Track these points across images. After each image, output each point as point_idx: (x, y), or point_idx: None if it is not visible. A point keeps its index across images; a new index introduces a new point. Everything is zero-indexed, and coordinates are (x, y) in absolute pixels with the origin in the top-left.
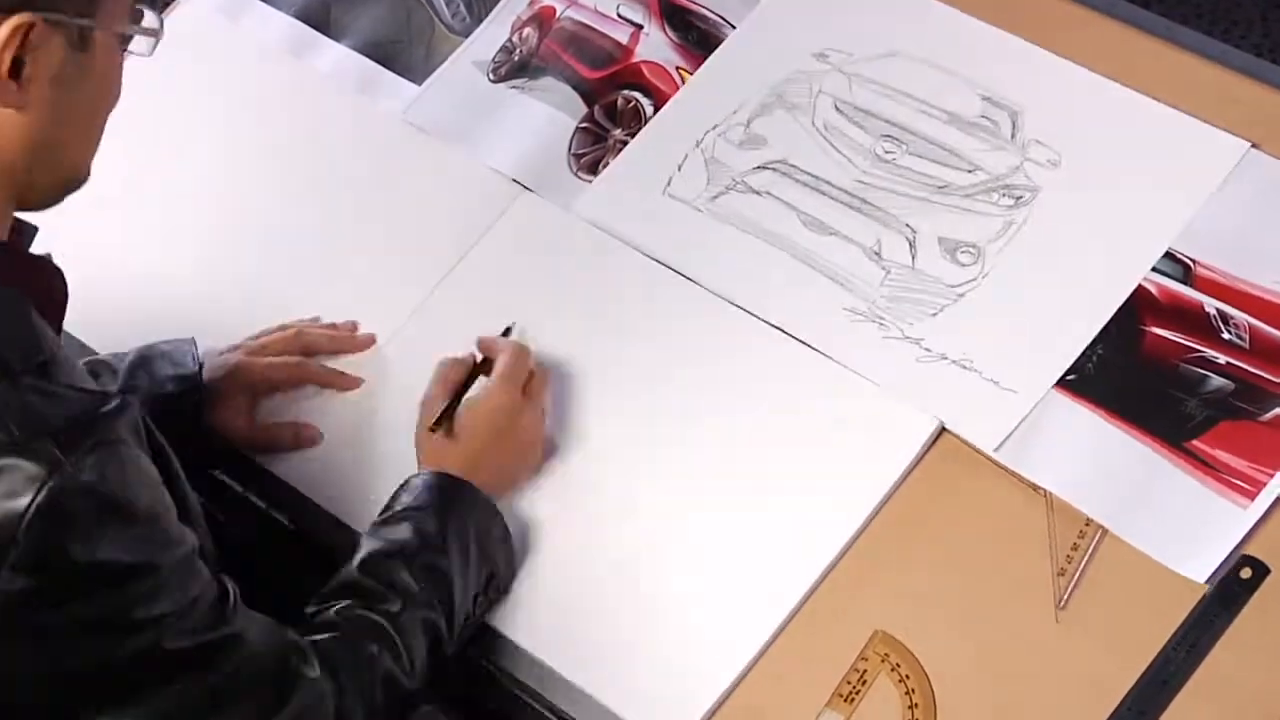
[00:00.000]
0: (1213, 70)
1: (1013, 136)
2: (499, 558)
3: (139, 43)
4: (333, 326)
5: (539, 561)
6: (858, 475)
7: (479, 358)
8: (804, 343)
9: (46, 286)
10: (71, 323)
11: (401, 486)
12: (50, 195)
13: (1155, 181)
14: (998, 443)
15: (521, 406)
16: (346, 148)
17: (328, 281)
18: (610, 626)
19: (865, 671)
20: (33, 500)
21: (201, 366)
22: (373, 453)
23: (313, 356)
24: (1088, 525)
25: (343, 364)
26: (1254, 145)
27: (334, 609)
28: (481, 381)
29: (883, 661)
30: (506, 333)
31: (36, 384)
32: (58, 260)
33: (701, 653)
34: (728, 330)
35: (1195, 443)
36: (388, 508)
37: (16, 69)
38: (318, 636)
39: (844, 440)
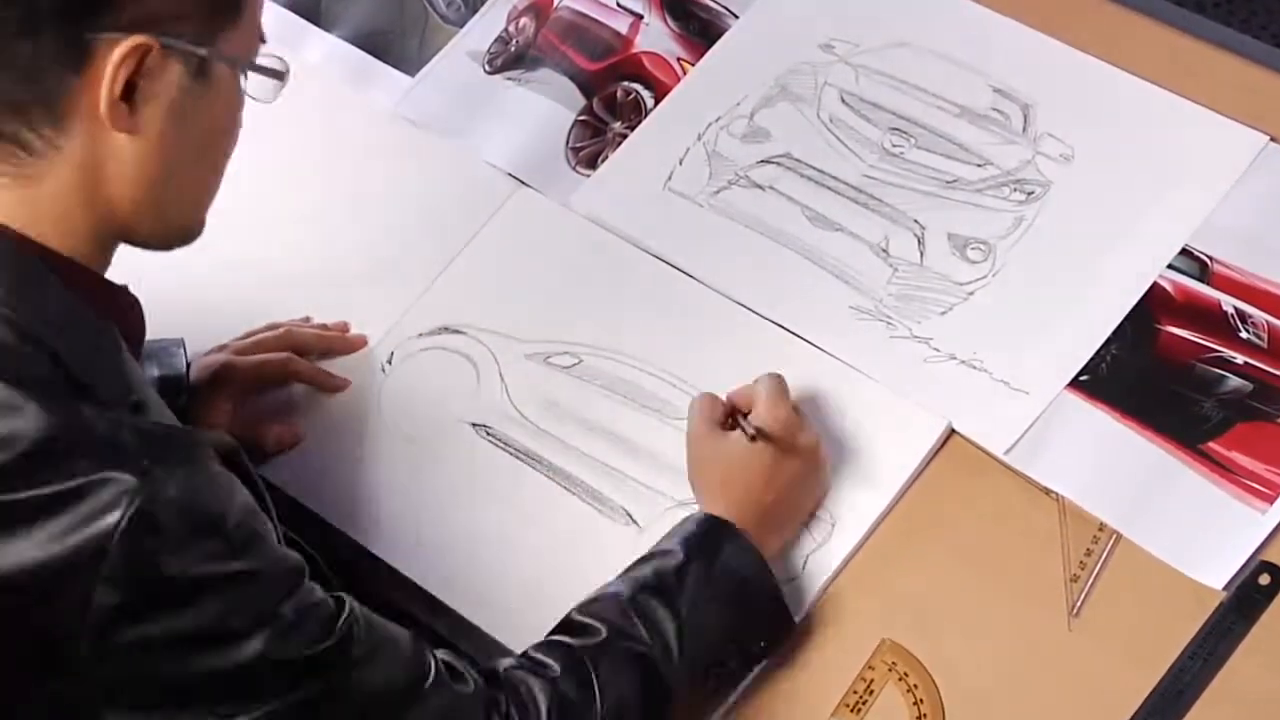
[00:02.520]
0: (1231, 61)
1: (1024, 130)
2: (760, 611)
3: (260, 87)
4: (323, 327)
5: (535, 566)
6: (864, 478)
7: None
8: (809, 342)
9: (126, 319)
10: None
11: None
12: (158, 238)
13: (1171, 176)
14: (1008, 445)
15: (801, 423)
16: (338, 142)
17: (318, 279)
18: None
19: (872, 681)
20: (124, 514)
21: (189, 367)
22: (363, 454)
23: (302, 357)
24: (1101, 530)
25: (334, 364)
26: (1273, 139)
27: (534, 646)
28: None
29: (890, 670)
30: None
31: (127, 419)
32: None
33: None
34: (730, 329)
35: (1212, 445)
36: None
37: (130, 92)
38: (493, 664)
39: (849, 442)
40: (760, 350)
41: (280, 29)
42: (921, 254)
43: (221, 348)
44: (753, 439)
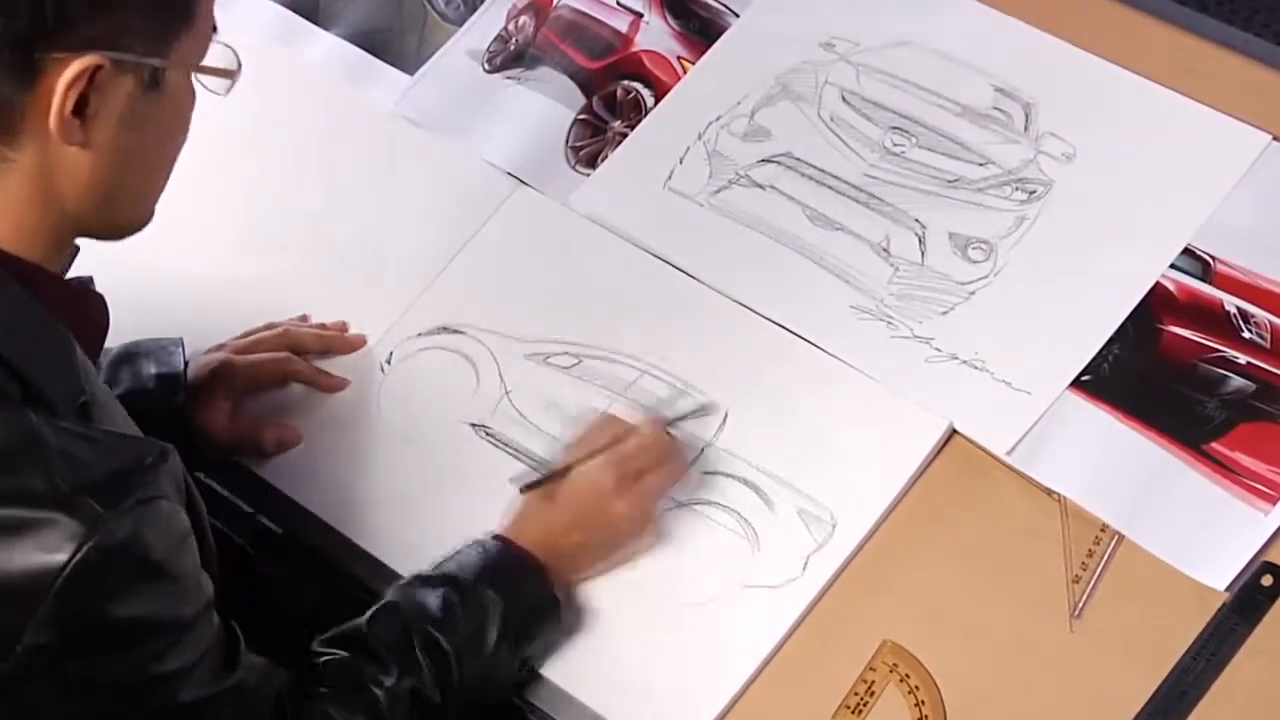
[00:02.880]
0: (1233, 60)
1: (1026, 129)
2: (539, 641)
3: (213, 79)
4: (322, 326)
5: None
6: (865, 479)
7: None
8: (809, 341)
9: (85, 315)
10: None
11: (465, 545)
12: (110, 233)
13: (1173, 175)
14: (1010, 445)
15: (620, 493)
16: (336, 141)
17: (316, 279)
18: (608, 637)
19: (873, 682)
20: (70, 558)
21: (187, 365)
22: (362, 455)
23: (301, 356)
24: (1103, 531)
25: (333, 364)
26: (1275, 138)
27: (335, 661)
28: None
29: (891, 672)
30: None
31: (77, 428)
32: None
33: (703, 664)
34: (730, 328)
35: (1214, 445)
36: (440, 563)
37: (81, 106)
38: (308, 691)
39: (850, 443)
40: (760, 350)
41: (278, 27)
42: (923, 253)
43: (220, 347)
44: (523, 490)
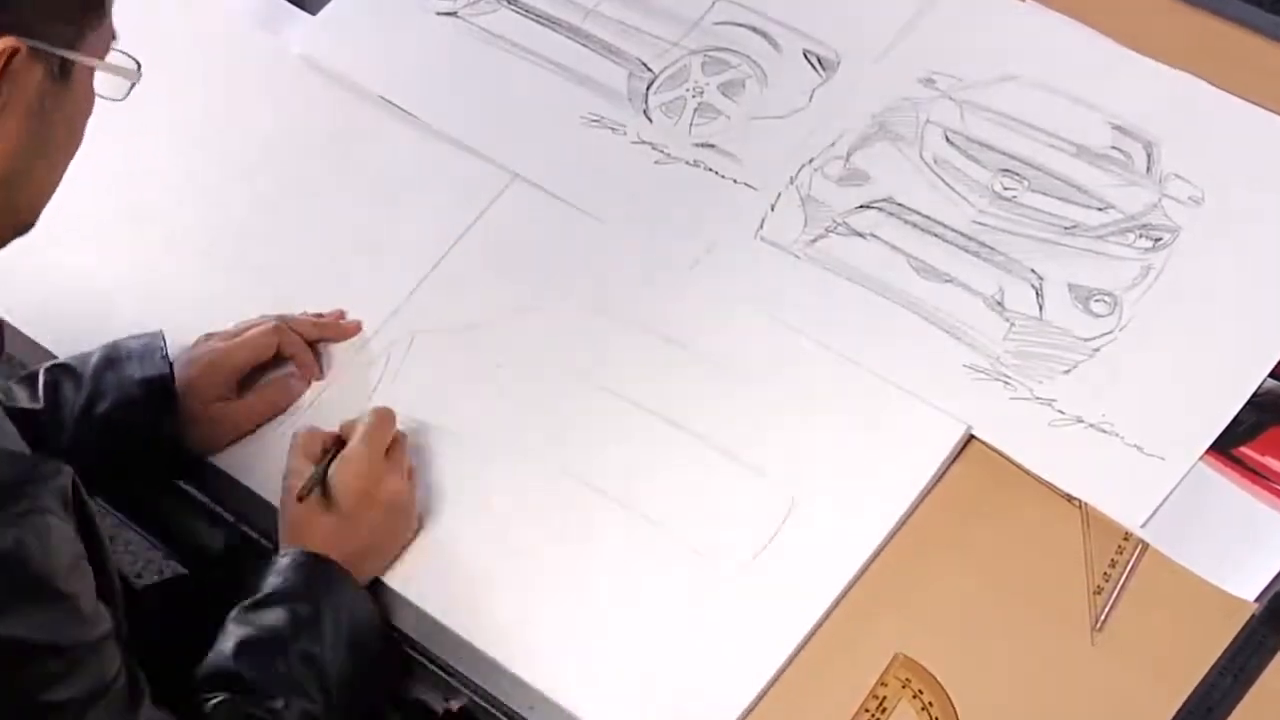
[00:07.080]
0: None
1: (1149, 170)
2: (373, 646)
3: (110, 85)
4: (318, 315)
5: (535, 581)
6: (878, 486)
7: (338, 435)
8: (896, 387)
9: None
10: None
11: (267, 566)
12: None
13: None
14: (1145, 517)
15: (386, 469)
16: (325, 131)
17: (307, 274)
18: (614, 652)
19: (885, 698)
20: None
21: (172, 366)
22: None
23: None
24: (1126, 539)
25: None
26: None
27: (213, 703)
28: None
29: (904, 687)
30: None
31: None
32: None
33: (711, 678)
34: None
35: (1244, 450)
36: (255, 589)
37: None
38: None
39: (863, 448)
40: (761, 353)
41: (261, 12)
42: (1040, 307)
43: (208, 337)
44: (300, 499)
